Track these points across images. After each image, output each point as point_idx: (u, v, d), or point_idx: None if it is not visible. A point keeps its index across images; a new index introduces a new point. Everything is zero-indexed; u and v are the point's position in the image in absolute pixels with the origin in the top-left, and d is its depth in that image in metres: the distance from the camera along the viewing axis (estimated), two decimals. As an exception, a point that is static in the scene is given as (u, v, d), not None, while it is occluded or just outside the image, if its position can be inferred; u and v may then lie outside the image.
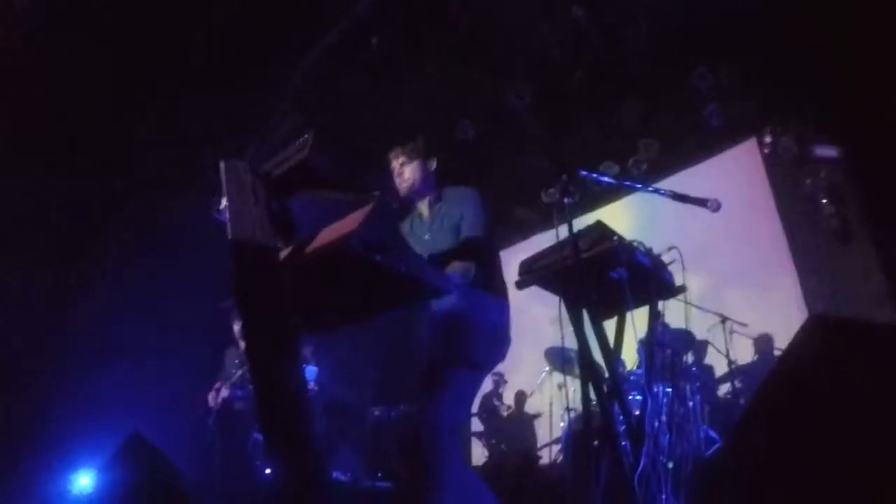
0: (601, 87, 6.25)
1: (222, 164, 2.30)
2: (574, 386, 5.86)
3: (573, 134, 6.83)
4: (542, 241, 6.81)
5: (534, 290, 2.68)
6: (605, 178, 2.65)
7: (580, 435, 5.00)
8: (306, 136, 2.24)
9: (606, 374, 2.53)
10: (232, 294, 2.30)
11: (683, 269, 2.73)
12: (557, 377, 6.09)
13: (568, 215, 2.45)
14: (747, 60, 5.56)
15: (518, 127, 6.51)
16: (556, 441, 5.96)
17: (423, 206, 2.94)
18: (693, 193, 6.13)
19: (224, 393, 5.26)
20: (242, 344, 5.63)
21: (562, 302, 2.54)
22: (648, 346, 2.73)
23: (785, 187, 5.72)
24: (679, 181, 6.64)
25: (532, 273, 2.60)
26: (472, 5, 5.71)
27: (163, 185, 5.95)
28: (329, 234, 2.22)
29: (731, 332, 4.84)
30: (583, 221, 2.57)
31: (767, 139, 5.64)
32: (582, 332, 2.48)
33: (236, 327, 5.67)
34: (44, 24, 4.80)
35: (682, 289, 2.78)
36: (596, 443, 2.61)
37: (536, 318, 7.26)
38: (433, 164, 2.97)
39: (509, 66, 6.19)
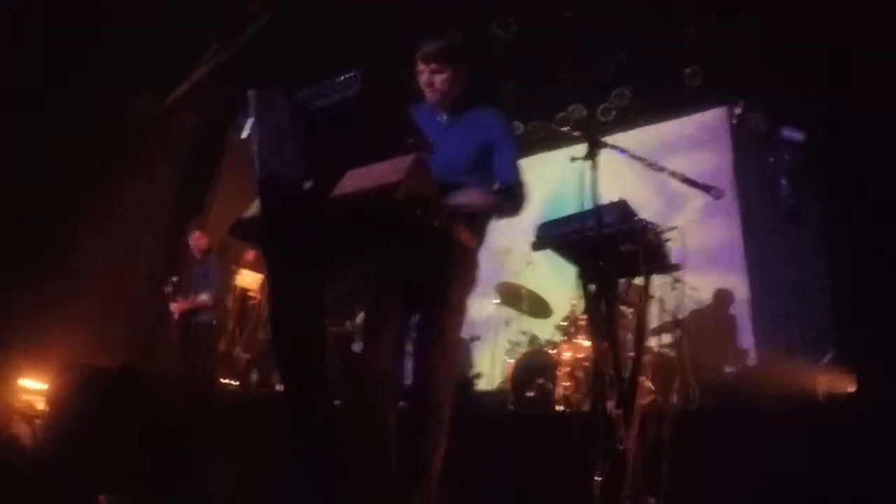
0: (586, 28, 6.17)
1: (252, 94, 2.21)
2: (520, 321, 6.11)
3: (549, 71, 6.80)
4: (547, 160, 6.73)
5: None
6: (624, 152, 2.67)
7: (526, 371, 5.25)
8: (355, 72, 2.16)
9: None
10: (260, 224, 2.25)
11: (684, 250, 2.83)
12: (506, 311, 6.26)
13: (593, 189, 2.49)
14: (737, 30, 5.62)
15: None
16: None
17: (445, 106, 2.74)
18: (656, 149, 6.34)
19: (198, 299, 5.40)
20: (198, 256, 5.59)
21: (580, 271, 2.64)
22: (642, 320, 2.86)
23: (746, 160, 5.95)
24: (645, 134, 6.80)
25: (549, 238, 2.65)
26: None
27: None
28: (364, 177, 2.18)
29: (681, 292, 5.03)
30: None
31: (738, 110, 5.78)
32: (598, 298, 2.61)
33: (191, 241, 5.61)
34: None
35: (678, 267, 2.90)
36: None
37: (488, 248, 7.37)
38: (467, 73, 2.70)
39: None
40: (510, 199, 2.58)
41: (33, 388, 4.31)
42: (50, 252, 5.17)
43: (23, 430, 3.56)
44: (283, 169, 2.18)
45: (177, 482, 2.66)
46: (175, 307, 5.36)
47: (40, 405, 3.98)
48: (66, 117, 5.15)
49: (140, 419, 2.76)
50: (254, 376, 5.84)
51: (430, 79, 2.65)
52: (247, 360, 6.10)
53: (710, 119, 6.40)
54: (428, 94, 2.69)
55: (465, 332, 7.02)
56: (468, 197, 2.46)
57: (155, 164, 6.02)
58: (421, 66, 2.66)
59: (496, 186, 2.52)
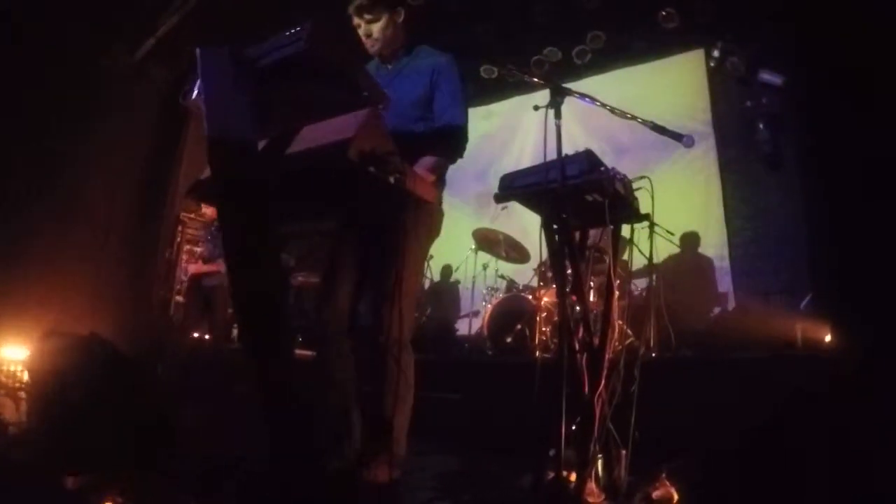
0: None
1: (198, 52, 2.12)
2: (497, 265, 6.12)
3: (523, 13, 6.62)
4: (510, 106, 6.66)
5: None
6: (591, 101, 2.61)
7: (504, 316, 5.26)
8: (302, 26, 2.08)
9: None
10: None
11: (653, 200, 2.79)
12: (482, 256, 6.29)
13: (557, 138, 2.44)
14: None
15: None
16: (475, 314, 6.35)
17: (389, 55, 2.77)
18: (632, 93, 6.25)
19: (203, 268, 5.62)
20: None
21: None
22: (612, 268, 2.84)
23: (724, 105, 5.88)
24: (621, 77, 6.70)
25: (512, 190, 2.61)
26: None
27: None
28: (317, 133, 2.14)
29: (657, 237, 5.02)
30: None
31: (716, 53, 5.69)
32: (561, 250, 2.57)
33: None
34: None
35: (647, 217, 2.86)
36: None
37: (464, 194, 7.33)
38: (401, 16, 2.71)
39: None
40: (449, 140, 2.60)
41: (16, 358, 4.26)
42: (26, 218, 5.08)
43: (6, 406, 3.52)
44: (232, 128, 2.11)
45: (156, 457, 2.62)
46: (193, 269, 5.62)
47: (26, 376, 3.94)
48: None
49: (116, 389, 2.73)
50: (234, 331, 5.83)
51: (368, 30, 2.65)
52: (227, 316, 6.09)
53: (688, 62, 6.29)
54: (368, 45, 2.68)
55: (449, 278, 7.16)
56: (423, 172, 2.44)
57: (130, 125, 5.86)
58: (356, 21, 2.65)
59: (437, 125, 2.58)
